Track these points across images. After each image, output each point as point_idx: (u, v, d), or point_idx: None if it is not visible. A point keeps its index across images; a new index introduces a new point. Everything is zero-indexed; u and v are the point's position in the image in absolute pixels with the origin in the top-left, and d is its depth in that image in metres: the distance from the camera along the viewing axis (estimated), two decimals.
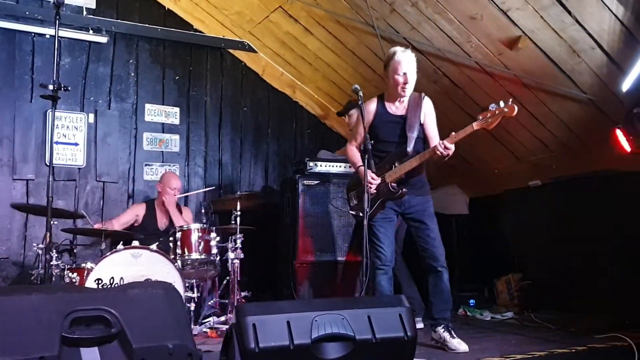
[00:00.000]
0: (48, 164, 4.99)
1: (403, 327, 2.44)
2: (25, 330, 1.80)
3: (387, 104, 3.70)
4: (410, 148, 3.55)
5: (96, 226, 4.56)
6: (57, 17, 2.92)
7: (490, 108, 3.30)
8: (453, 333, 3.56)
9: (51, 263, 4.05)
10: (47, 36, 5.14)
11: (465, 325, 4.67)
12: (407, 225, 3.90)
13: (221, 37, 5.86)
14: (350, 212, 3.90)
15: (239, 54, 6.00)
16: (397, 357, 2.45)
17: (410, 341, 2.44)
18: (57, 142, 5.08)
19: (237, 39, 5.89)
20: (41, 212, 4.39)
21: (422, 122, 3.64)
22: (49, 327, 1.83)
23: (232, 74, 6.00)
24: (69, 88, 2.91)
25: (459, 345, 3.50)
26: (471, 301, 5.63)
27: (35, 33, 5.11)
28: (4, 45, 5.01)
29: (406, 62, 3.56)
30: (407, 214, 3.65)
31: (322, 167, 5.05)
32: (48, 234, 2.84)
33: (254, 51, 5.97)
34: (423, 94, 3.69)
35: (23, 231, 4.99)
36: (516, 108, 3.23)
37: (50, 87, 2.84)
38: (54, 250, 4.08)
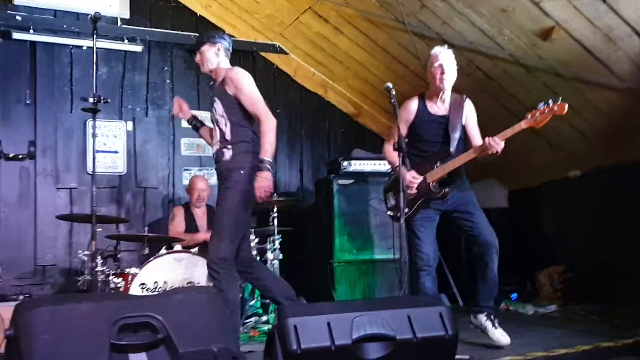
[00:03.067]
0: (90, 173, 5.19)
1: (444, 326, 2.44)
2: (76, 339, 1.87)
3: (428, 104, 3.66)
4: (453, 148, 3.53)
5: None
6: (95, 31, 3.00)
7: (539, 107, 3.28)
8: (496, 324, 3.53)
9: (96, 269, 4.20)
10: (84, 48, 5.28)
11: (507, 320, 4.61)
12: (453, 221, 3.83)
13: (253, 40, 5.92)
14: (388, 212, 3.88)
15: (271, 57, 6.05)
16: (439, 355, 2.45)
17: (452, 340, 2.44)
18: (98, 151, 5.19)
19: (269, 42, 5.94)
20: (85, 220, 4.55)
21: (463, 123, 3.61)
22: (98, 334, 1.90)
23: (265, 77, 6.05)
24: (109, 100, 2.99)
25: (502, 337, 3.46)
26: (513, 295, 5.57)
27: (72, 45, 5.25)
28: (43, 58, 5.17)
29: (442, 56, 3.56)
30: (450, 210, 3.62)
31: (357, 165, 5.06)
32: (94, 242, 2.92)
33: (285, 53, 6.01)
34: (464, 96, 3.66)
35: (68, 238, 5.14)
36: (566, 106, 3.20)
37: (91, 99, 2.92)
38: (99, 257, 4.21)
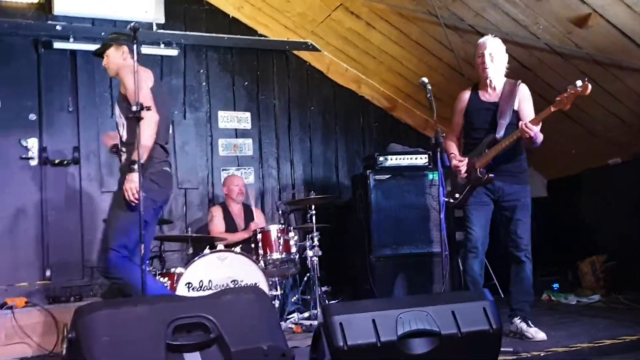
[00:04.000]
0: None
1: (488, 321, 2.46)
2: (133, 340, 1.96)
3: (480, 92, 3.75)
4: (500, 134, 3.58)
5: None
6: (135, 41, 3.08)
7: (567, 89, 3.31)
8: (530, 323, 3.56)
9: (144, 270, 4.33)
10: None
11: (550, 311, 4.59)
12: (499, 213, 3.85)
13: (285, 39, 5.98)
14: (444, 198, 3.91)
15: (303, 55, 6.10)
16: (484, 349, 2.47)
17: (496, 334, 2.46)
18: None
19: (301, 40, 5.99)
20: None
21: (515, 108, 3.63)
22: (154, 335, 1.99)
23: (298, 75, 6.12)
24: (150, 107, 3.07)
25: (536, 333, 3.50)
26: (555, 285, 5.52)
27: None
28: (83, 66, 5.31)
29: (487, 45, 3.65)
30: (501, 202, 3.66)
31: (393, 160, 5.08)
32: (142, 246, 3.02)
33: (318, 50, 6.05)
34: (519, 81, 3.70)
35: None
36: (589, 86, 3.24)
37: (134, 108, 3.02)
38: None
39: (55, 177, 5.14)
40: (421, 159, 5.08)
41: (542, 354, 3.12)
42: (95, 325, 1.94)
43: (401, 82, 6.09)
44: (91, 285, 5.12)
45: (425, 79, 3.44)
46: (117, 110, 3.53)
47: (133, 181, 3.17)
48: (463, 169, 3.63)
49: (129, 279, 3.32)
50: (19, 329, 4.12)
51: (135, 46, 3.12)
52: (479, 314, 2.47)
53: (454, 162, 3.64)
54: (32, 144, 5.04)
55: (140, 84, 3.20)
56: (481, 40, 3.71)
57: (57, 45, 5.13)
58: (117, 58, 3.53)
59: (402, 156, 5.09)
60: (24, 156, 5.00)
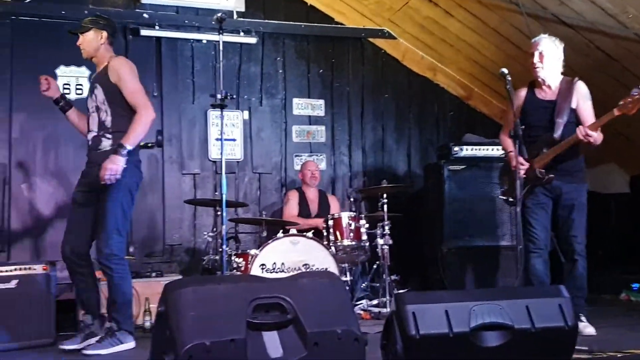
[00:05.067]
0: (212, 160, 5.56)
1: (563, 317, 2.42)
2: (217, 316, 2.07)
3: (536, 90, 3.71)
4: (557, 134, 3.53)
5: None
6: (221, 31, 3.21)
7: (632, 93, 3.21)
8: (581, 317, 3.49)
9: (219, 250, 4.51)
10: (204, 41, 5.61)
11: (630, 311, 4.44)
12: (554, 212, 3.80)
13: (361, 27, 6.00)
14: (501, 197, 3.91)
15: (379, 42, 6.11)
16: (558, 347, 2.44)
17: (571, 331, 2.42)
18: (218, 139, 5.55)
19: (377, 28, 5.99)
20: (209, 204, 4.89)
21: (573, 107, 3.56)
22: (236, 313, 2.09)
23: (373, 62, 6.13)
24: (234, 96, 3.20)
25: (585, 328, 3.45)
26: (634, 285, 5.31)
27: (193, 39, 5.59)
28: (167, 53, 5.54)
29: (537, 43, 3.62)
30: (558, 201, 3.62)
31: (469, 151, 5.02)
32: (223, 227, 3.17)
33: (394, 38, 6.03)
34: (576, 79, 3.61)
35: (192, 220, 5.52)
36: None
37: (219, 96, 3.15)
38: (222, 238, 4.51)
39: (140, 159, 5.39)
40: (498, 150, 4.99)
41: (619, 355, 3.04)
42: (183, 301, 2.07)
43: (478, 71, 5.99)
44: (170, 262, 5.38)
45: (505, 70, 3.38)
46: (99, 94, 3.49)
47: (119, 163, 3.28)
48: (522, 170, 3.56)
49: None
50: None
51: (220, 35, 3.23)
52: (554, 310, 2.44)
53: (514, 162, 3.54)
54: None
55: (138, 84, 3.44)
56: (534, 39, 3.69)
57: (144, 32, 5.37)
58: (94, 41, 3.55)
59: (478, 147, 5.03)
60: None
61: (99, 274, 3.69)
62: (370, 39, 6.09)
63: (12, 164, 4.97)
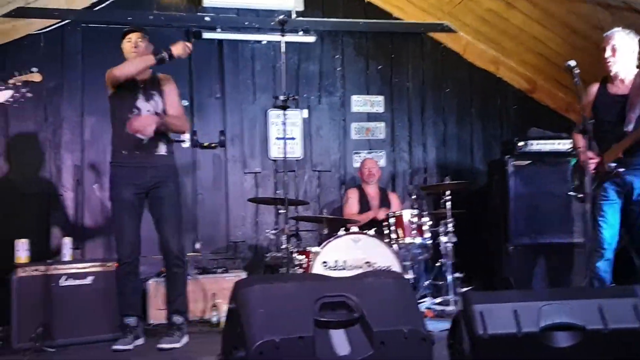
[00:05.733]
0: (272, 158, 5.65)
1: (638, 318, 2.34)
2: (285, 314, 2.12)
3: (608, 85, 3.63)
4: (629, 127, 3.45)
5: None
6: (282, 33, 3.26)
7: None
8: None
9: (282, 247, 4.60)
10: (264, 42, 5.69)
11: None
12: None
13: (420, 21, 5.94)
14: (571, 193, 3.81)
15: (439, 36, 6.03)
16: (632, 349, 2.36)
17: None
18: (278, 138, 5.64)
19: (437, 22, 5.91)
20: (271, 202, 4.98)
21: None
22: (303, 311, 2.13)
23: (433, 57, 6.06)
24: (296, 97, 3.25)
25: None
26: None
27: (254, 41, 5.68)
28: (229, 54, 5.65)
29: (609, 37, 3.56)
30: (630, 196, 3.52)
31: (534, 145, 4.90)
32: (286, 225, 3.23)
33: (454, 31, 5.93)
34: None
35: (255, 218, 5.63)
36: None
37: (282, 97, 3.20)
38: (285, 236, 4.59)
39: (204, 159, 5.55)
40: (564, 145, 4.85)
41: None
42: (252, 298, 2.13)
43: (542, 63, 5.81)
44: (234, 258, 5.50)
45: (572, 62, 3.29)
46: (159, 103, 3.81)
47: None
48: (592, 164, 3.49)
49: None
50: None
51: (282, 36, 3.28)
52: (628, 311, 2.35)
53: (583, 157, 3.51)
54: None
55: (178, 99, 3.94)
56: (607, 33, 3.61)
57: (206, 35, 5.47)
58: (146, 47, 3.84)
59: (543, 141, 4.90)
60: (178, 139, 5.45)
61: None
62: (430, 34, 6.02)
63: (85, 165, 5.21)
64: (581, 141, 3.59)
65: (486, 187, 5.47)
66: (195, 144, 5.43)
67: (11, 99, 3.09)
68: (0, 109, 3.10)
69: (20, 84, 3.08)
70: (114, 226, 3.79)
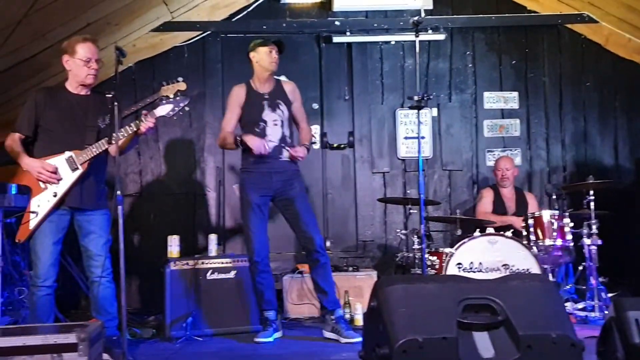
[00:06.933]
0: (400, 158, 5.66)
1: None
2: (427, 314, 2.13)
3: None
4: None
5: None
6: (417, 34, 3.27)
7: None
8: None
9: (413, 247, 4.60)
10: (393, 42, 5.71)
11: None
12: None
13: (557, 13, 5.65)
14: None
15: (578, 27, 5.69)
16: None
17: None
18: (406, 138, 5.64)
19: (575, 12, 5.59)
20: (401, 202, 4.99)
21: None
22: (446, 311, 2.13)
23: (571, 50, 5.74)
24: (431, 96, 3.24)
25: None
26: None
27: (382, 42, 5.72)
28: (358, 56, 5.73)
29: None
30: None
31: None
32: (421, 225, 3.23)
33: (595, 22, 5.58)
34: None
35: (383, 217, 5.66)
36: None
37: (416, 97, 3.21)
38: (415, 236, 4.59)
39: (333, 160, 5.69)
40: None
41: None
42: (394, 297, 2.16)
43: None
44: (363, 257, 5.58)
45: None
46: (285, 112, 3.99)
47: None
48: None
49: None
50: (308, 291, 4.72)
51: (416, 36, 3.29)
52: None
53: None
54: (315, 130, 5.65)
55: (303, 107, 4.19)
56: None
57: (336, 39, 5.63)
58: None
59: None
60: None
61: None
62: (568, 25, 5.70)
63: (225, 167, 5.55)
64: None
65: (633, 186, 5.08)
66: (324, 145, 5.62)
67: (171, 112, 3.35)
68: (159, 120, 3.35)
69: (179, 97, 3.33)
70: (244, 226, 4.00)
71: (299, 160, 3.94)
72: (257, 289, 3.95)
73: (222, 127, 4.02)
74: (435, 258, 4.40)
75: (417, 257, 4.51)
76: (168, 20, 5.34)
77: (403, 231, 4.81)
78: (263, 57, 3.96)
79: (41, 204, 3.30)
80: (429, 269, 4.32)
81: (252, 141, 3.80)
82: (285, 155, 3.95)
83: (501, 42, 5.75)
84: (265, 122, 3.95)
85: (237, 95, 4.01)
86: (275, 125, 3.96)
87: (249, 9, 5.56)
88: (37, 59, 4.39)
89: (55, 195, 3.30)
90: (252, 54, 4.02)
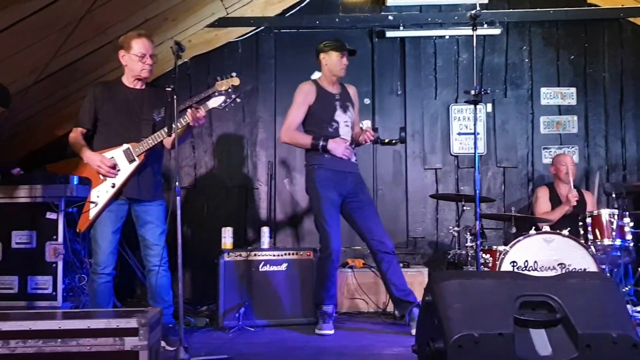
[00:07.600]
0: (453, 154, 5.59)
1: None
2: (483, 309, 2.11)
3: None
4: None
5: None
6: (474, 28, 3.23)
7: None
8: None
9: (465, 244, 4.54)
10: (447, 37, 5.64)
11: None
12: None
13: (619, 6, 5.45)
14: None
15: None
16: None
17: None
18: (459, 134, 5.56)
19: (638, 5, 5.38)
20: (454, 198, 4.94)
21: None
22: (502, 307, 2.11)
23: (634, 44, 5.53)
24: (487, 90, 3.19)
25: None
26: None
27: (436, 36, 5.65)
28: (411, 51, 5.69)
29: None
30: None
31: None
32: (477, 222, 3.19)
33: None
34: None
35: (435, 214, 5.60)
36: None
37: (472, 92, 3.17)
38: (468, 233, 4.53)
39: (384, 155, 5.67)
40: None
41: None
42: (449, 292, 2.15)
43: None
44: (414, 254, 5.54)
45: None
46: (353, 114, 4.20)
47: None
48: None
49: None
50: (358, 286, 4.74)
51: (474, 32, 3.24)
52: None
53: None
54: (367, 125, 5.62)
55: None
56: None
57: (389, 34, 5.59)
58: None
59: None
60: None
61: None
62: (630, 19, 5.50)
63: (277, 161, 5.61)
64: None
65: None
66: (376, 140, 5.59)
67: (223, 104, 3.43)
68: (212, 113, 3.42)
69: (231, 90, 3.39)
70: (320, 221, 4.00)
71: (363, 143, 4.12)
72: (324, 283, 3.98)
73: (289, 125, 4.05)
74: (488, 256, 4.33)
75: (470, 254, 4.45)
76: (223, 15, 5.43)
77: (455, 228, 4.74)
78: (334, 62, 4.03)
79: (100, 194, 3.43)
80: (482, 266, 4.25)
81: (338, 149, 3.93)
82: (354, 158, 4.08)
83: (559, 36, 5.60)
84: (337, 122, 4.04)
85: (307, 93, 4.05)
86: (347, 126, 4.09)
87: (301, 5, 5.59)
88: (96, 54, 4.53)
89: (113, 186, 3.43)
90: (322, 55, 4.07)
